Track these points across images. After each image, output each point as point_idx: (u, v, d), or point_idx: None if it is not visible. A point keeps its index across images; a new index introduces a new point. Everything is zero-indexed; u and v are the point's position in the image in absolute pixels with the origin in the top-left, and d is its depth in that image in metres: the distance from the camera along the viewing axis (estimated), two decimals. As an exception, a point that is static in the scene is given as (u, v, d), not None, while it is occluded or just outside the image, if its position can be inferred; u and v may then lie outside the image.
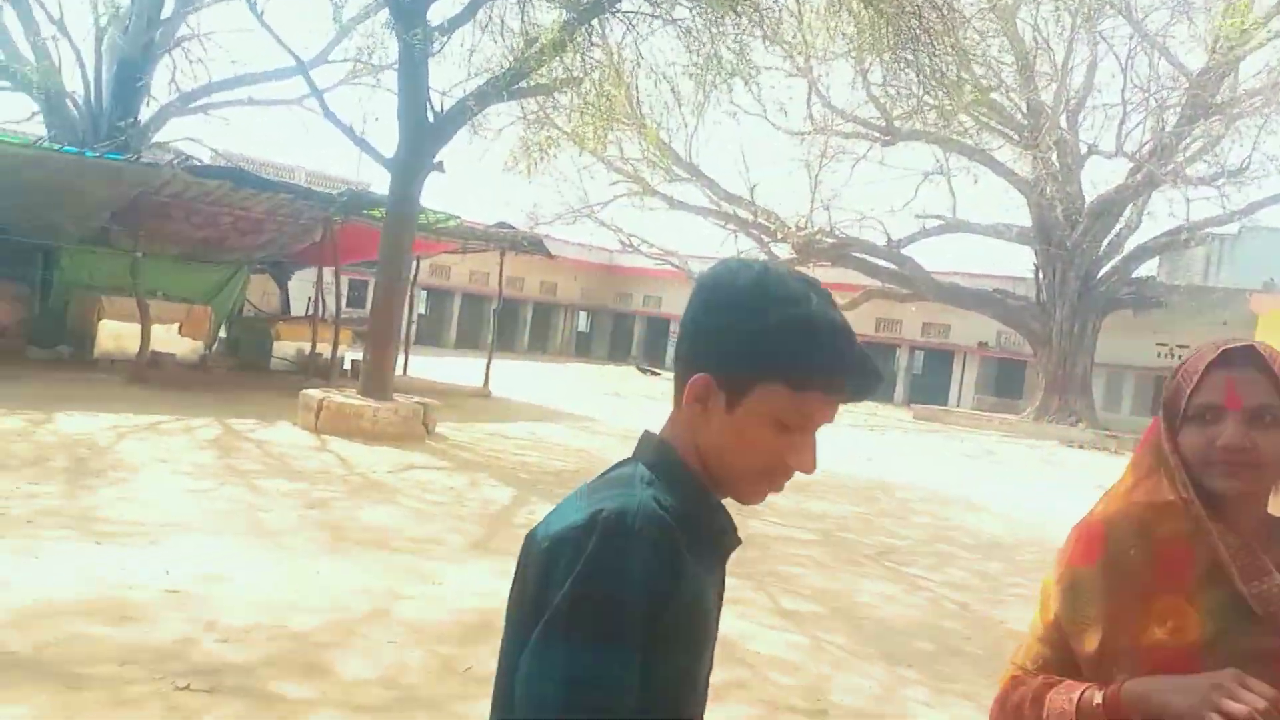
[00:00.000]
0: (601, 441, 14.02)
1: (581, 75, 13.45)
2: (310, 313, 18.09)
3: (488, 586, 5.78)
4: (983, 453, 19.57)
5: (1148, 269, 28.27)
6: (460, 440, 12.46)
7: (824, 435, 1.23)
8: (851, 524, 9.97)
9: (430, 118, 12.67)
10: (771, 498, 1.27)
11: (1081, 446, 23.35)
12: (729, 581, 1.37)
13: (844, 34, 25.61)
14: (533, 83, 13.32)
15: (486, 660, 4.45)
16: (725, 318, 1.21)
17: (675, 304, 39.49)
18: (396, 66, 13.20)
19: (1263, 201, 24.92)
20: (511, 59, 13.21)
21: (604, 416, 17.68)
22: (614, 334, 42.71)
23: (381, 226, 13.40)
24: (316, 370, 16.69)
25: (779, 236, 28.32)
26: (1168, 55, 23.85)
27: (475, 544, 7.19)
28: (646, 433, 1.30)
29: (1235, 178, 24.48)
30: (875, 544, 9.08)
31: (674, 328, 39.78)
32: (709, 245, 33.52)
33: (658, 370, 34.05)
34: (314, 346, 17.18)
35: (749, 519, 9.39)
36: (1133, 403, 28.85)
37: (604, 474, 1.27)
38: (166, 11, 18.85)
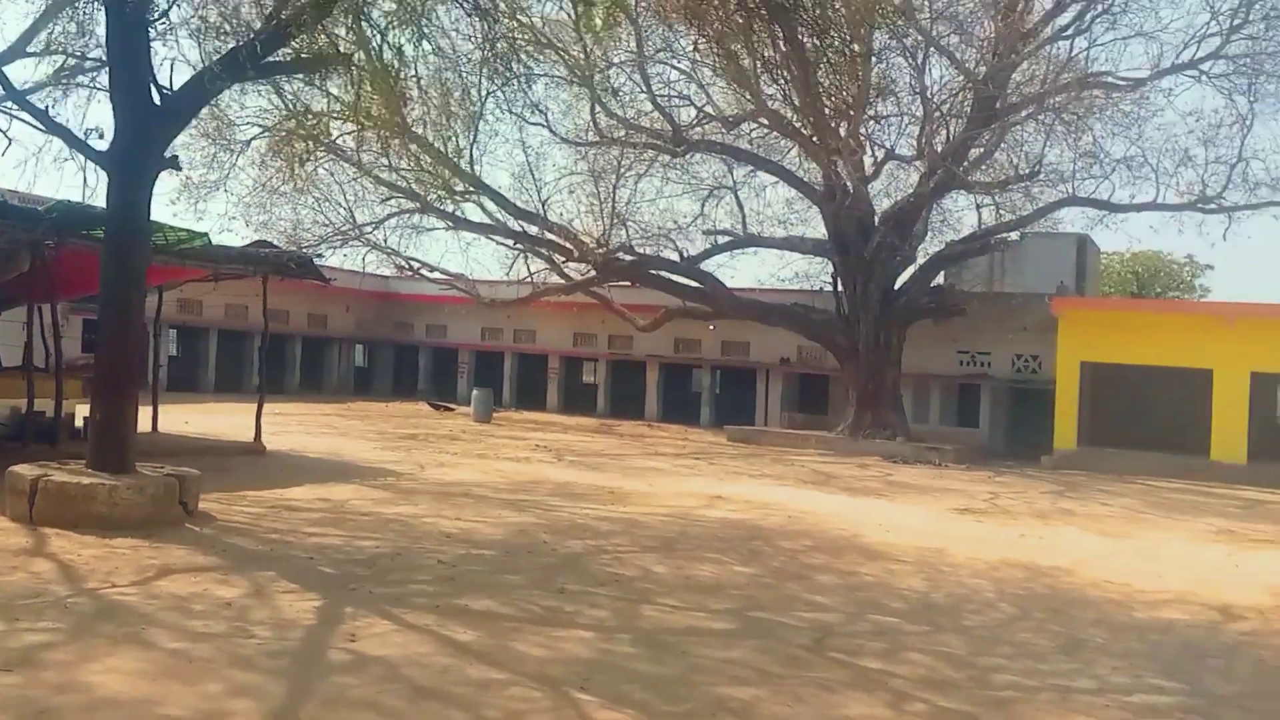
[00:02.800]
0: (417, 505, 11.44)
1: (353, 49, 10.85)
2: (24, 361, 14.40)
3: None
4: (820, 477, 18.26)
5: (943, 278, 28.30)
6: (233, 520, 9.58)
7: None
8: (758, 596, 7.99)
9: (156, 97, 9.75)
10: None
11: (906, 461, 22.66)
12: None
13: (624, 41, 24.43)
14: (293, 55, 10.62)
15: None
16: None
17: (463, 332, 36.72)
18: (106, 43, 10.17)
19: (1048, 207, 25.26)
20: (262, 21, 10.37)
21: (407, 468, 15.00)
22: (397, 367, 39.30)
23: (102, 244, 10.32)
24: (40, 434, 13.16)
25: (575, 255, 26.35)
26: (953, 59, 23.72)
27: (278, 717, 4.65)
28: None
29: (1022, 184, 24.70)
30: (803, 625, 7.14)
31: (464, 358, 37.03)
32: (498, 267, 31.12)
33: (451, 405, 31.25)
34: (30, 404, 13.54)
35: (641, 605, 7.25)
36: (940, 412, 28.82)
37: None
38: None
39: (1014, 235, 26.45)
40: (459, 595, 7.07)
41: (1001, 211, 25.18)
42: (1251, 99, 22.91)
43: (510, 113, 26.58)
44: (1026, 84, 24.28)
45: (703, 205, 28.50)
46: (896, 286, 26.48)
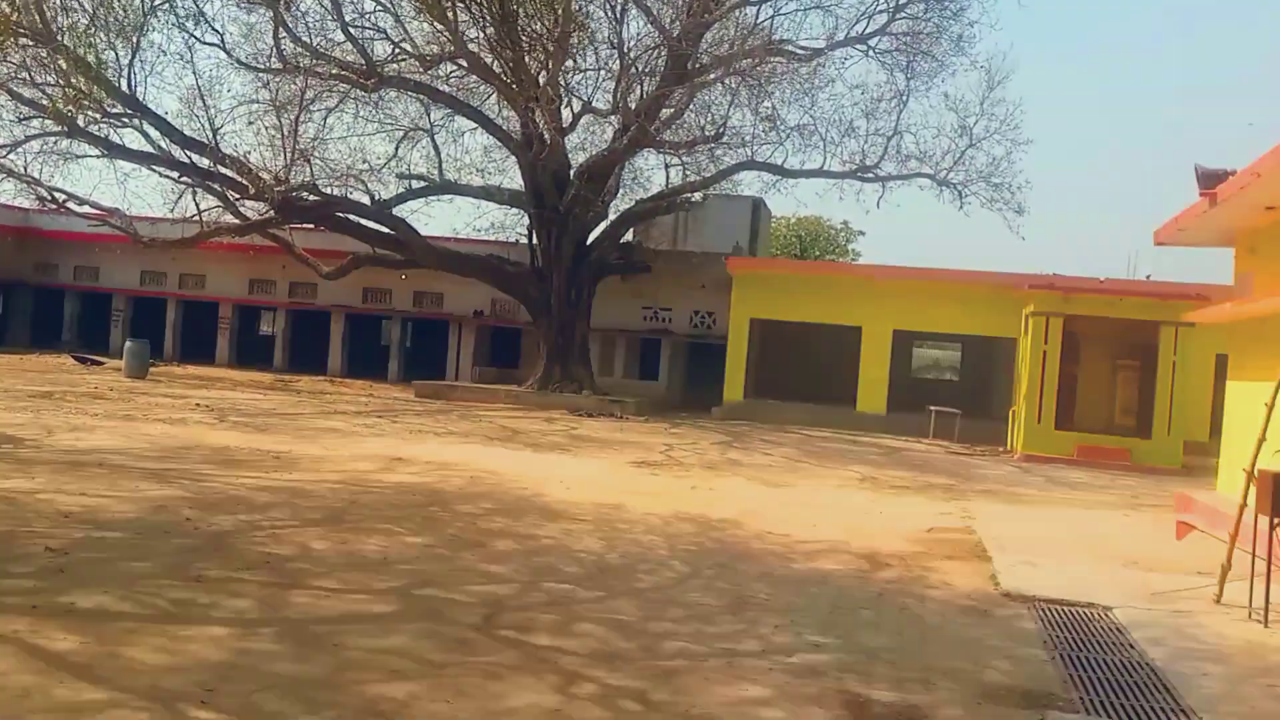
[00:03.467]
0: (33, 478, 9.88)
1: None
2: None
3: None
4: (506, 433, 18.01)
5: (632, 235, 28.81)
6: None
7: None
8: (428, 570, 7.51)
9: None
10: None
11: (590, 414, 22.94)
12: None
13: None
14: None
15: None
16: None
17: (118, 276, 32.93)
18: None
19: (729, 169, 26.25)
20: None
21: (32, 432, 13.07)
22: (37, 314, 34.63)
23: None
24: None
25: (251, 192, 24.18)
26: (650, 15, 23.97)
27: None
28: None
29: (708, 145, 25.51)
30: (474, 600, 6.76)
31: (119, 305, 33.30)
32: (161, 203, 27.97)
33: (100, 359, 27.98)
34: None
35: (292, 591, 6.55)
36: (624, 366, 29.47)
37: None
38: None
39: (697, 196, 27.33)
40: (66, 591, 6.02)
41: (687, 172, 25.88)
42: (909, 76, 24.94)
43: (180, 29, 24.09)
44: (716, 46, 25.01)
45: (397, 147, 27.21)
46: (589, 242, 26.62)
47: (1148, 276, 26.32)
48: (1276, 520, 7.14)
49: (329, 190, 25.66)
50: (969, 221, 32.20)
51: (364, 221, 26.40)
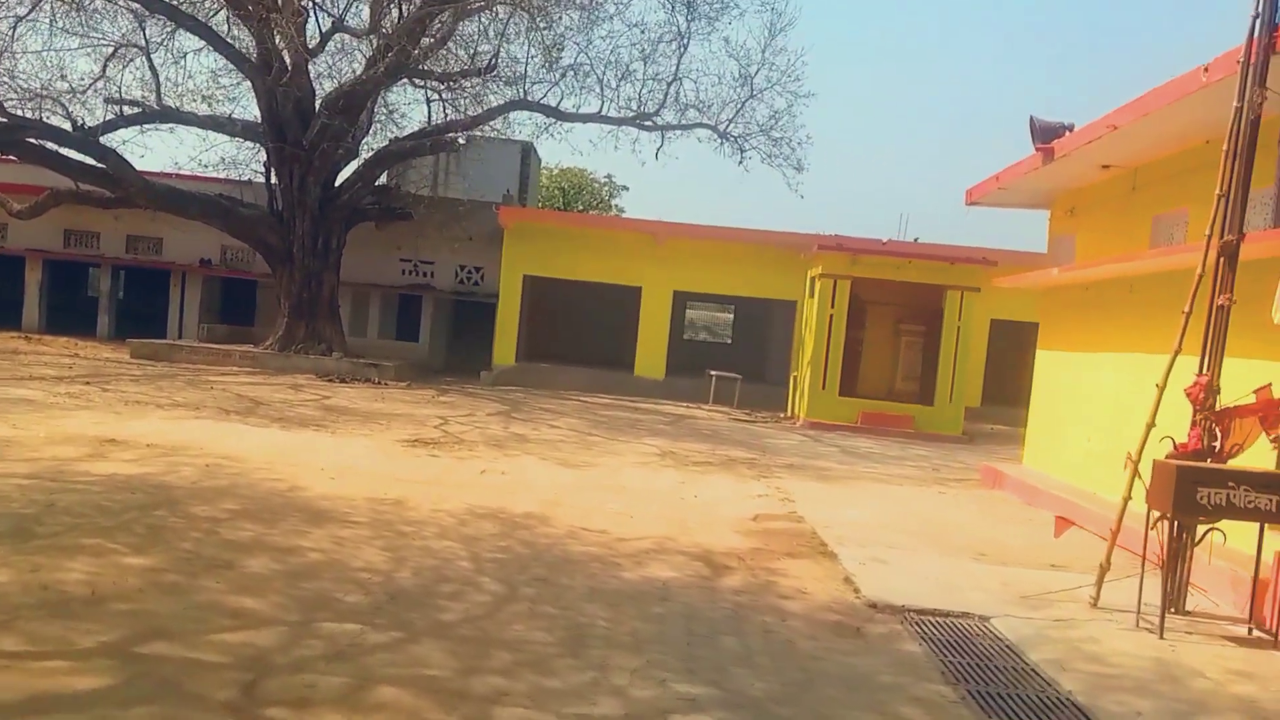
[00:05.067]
0: None
1: None
2: None
3: None
4: (246, 405, 15.56)
5: (387, 179, 26.28)
6: None
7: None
8: (157, 611, 5.51)
9: None
10: None
11: (344, 379, 20.63)
12: None
13: None
14: None
15: None
16: None
17: None
18: None
19: (499, 108, 24.32)
20: None
21: None
22: None
23: None
24: None
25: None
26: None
27: None
28: None
29: (476, 80, 23.47)
30: (227, 660, 4.88)
31: None
32: None
33: None
34: None
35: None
36: (379, 325, 26.99)
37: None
38: None
39: (461, 138, 25.23)
40: None
41: (450, 109, 23.75)
42: (689, 18, 23.93)
43: None
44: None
45: (105, 66, 23.24)
46: (338, 183, 23.96)
47: (915, 239, 26.92)
48: (1168, 518, 6.49)
49: (19, 113, 21.58)
50: (737, 178, 32.03)
51: (65, 151, 22.48)
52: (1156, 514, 6.60)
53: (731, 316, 34.47)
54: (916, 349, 20.52)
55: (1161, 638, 6.30)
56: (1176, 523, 6.62)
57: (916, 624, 6.47)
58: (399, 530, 7.98)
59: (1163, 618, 6.37)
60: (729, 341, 34.17)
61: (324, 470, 10.25)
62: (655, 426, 17.66)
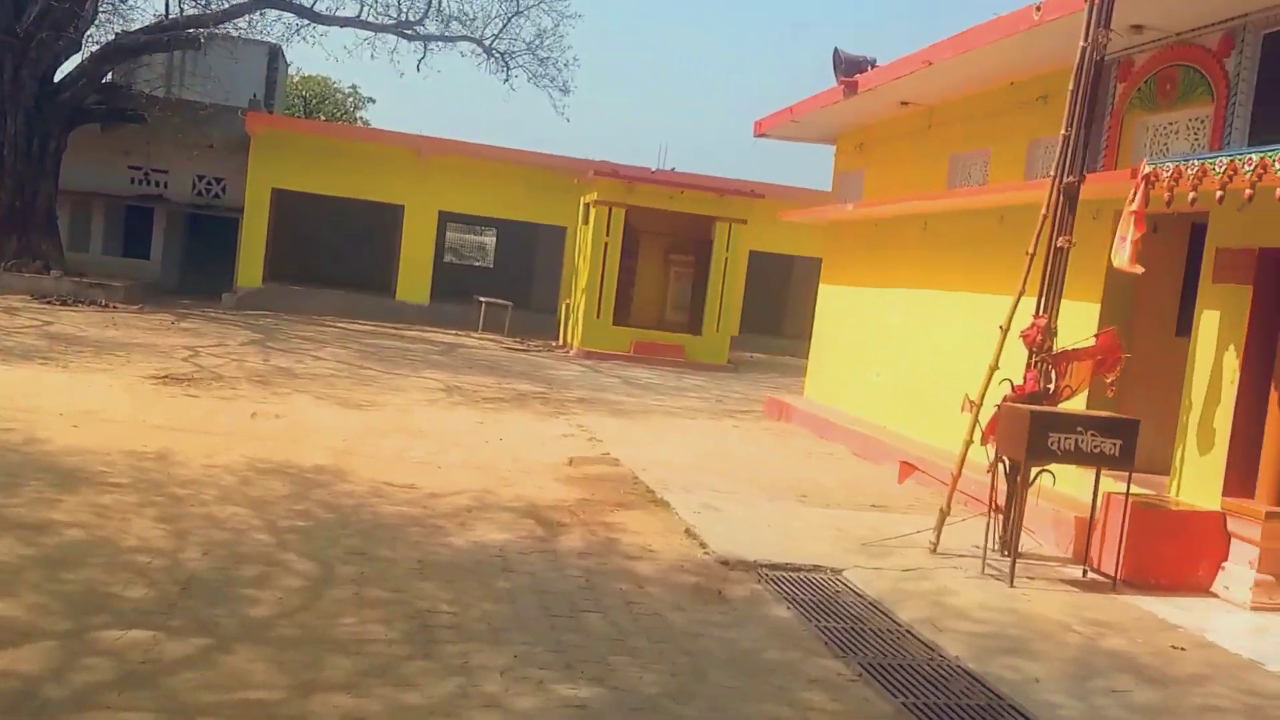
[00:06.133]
0: None
1: None
2: None
3: None
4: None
5: (113, 77, 23.00)
6: None
7: None
8: None
9: None
10: None
11: (65, 302, 18.06)
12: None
13: None
14: None
15: None
16: None
17: None
18: None
19: (244, 5, 21.76)
20: None
21: None
22: None
23: None
24: None
25: None
26: None
27: None
28: None
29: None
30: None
31: None
32: None
33: None
34: None
35: None
36: (104, 241, 23.81)
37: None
38: None
39: (203, 35, 22.40)
40: None
41: (191, 3, 21.02)
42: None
43: None
44: None
45: None
46: (58, 78, 20.78)
47: (672, 169, 26.79)
48: (1019, 462, 6.47)
49: None
50: (504, 98, 30.70)
51: None
52: (1004, 459, 6.58)
53: (494, 240, 33.33)
54: (686, 279, 20.54)
55: (1012, 585, 6.30)
56: (1020, 467, 6.63)
57: (773, 581, 6.15)
58: (172, 494, 6.77)
59: (1013, 568, 6.38)
60: (491, 266, 33.05)
61: (64, 416, 8.66)
62: (430, 357, 16.63)
